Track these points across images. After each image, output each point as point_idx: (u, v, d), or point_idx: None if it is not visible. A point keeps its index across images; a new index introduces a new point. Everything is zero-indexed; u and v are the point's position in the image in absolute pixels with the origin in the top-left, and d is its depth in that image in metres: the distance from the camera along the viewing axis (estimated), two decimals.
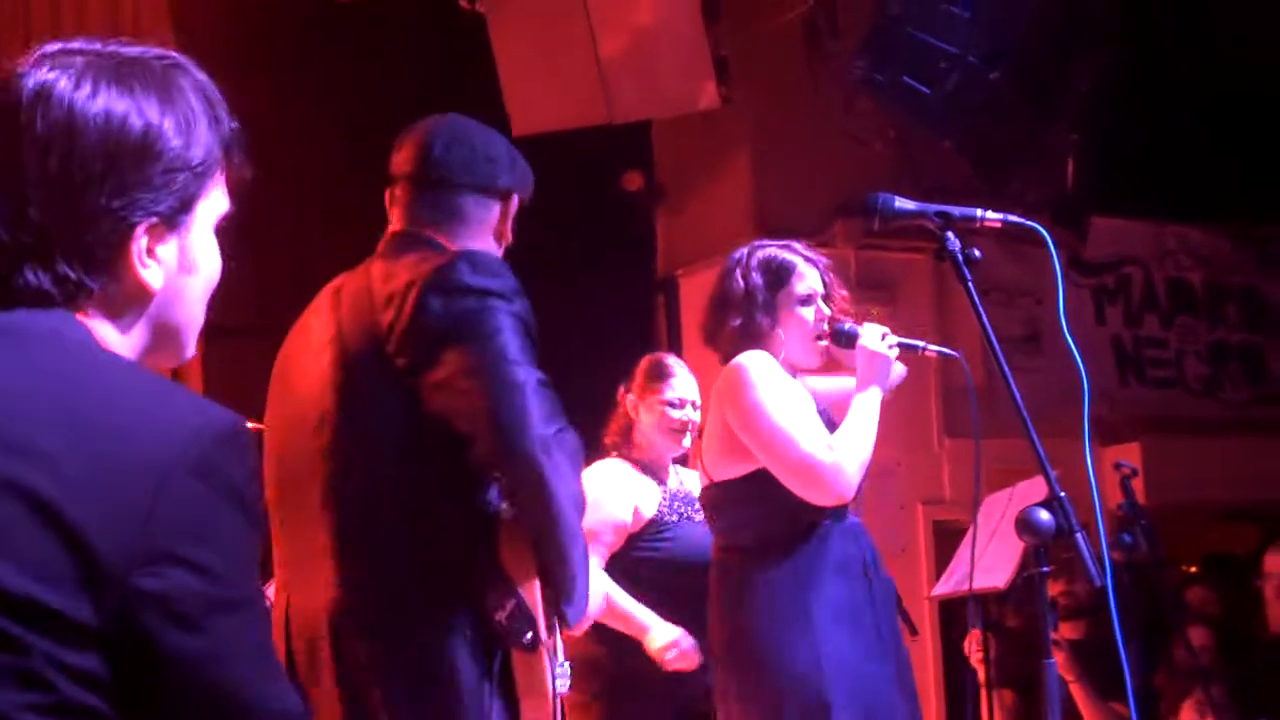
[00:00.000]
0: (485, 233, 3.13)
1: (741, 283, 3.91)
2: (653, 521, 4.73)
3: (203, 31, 7.20)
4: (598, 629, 4.48)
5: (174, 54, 1.56)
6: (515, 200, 3.18)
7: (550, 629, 2.88)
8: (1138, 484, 5.60)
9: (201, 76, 1.57)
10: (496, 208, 3.15)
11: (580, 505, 2.86)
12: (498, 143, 3.20)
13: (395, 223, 3.16)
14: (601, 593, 3.06)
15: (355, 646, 2.83)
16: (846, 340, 3.91)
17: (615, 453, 4.94)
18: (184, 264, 1.57)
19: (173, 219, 1.54)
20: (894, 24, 6.05)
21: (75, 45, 1.54)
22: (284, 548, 3.04)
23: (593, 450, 5.12)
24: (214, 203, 1.60)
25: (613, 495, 4.72)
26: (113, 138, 1.48)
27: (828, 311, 3.95)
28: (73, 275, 1.49)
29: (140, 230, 1.51)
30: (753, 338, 3.89)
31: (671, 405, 4.82)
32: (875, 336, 3.89)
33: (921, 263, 7.49)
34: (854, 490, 3.76)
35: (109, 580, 1.35)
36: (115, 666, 1.37)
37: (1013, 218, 3.26)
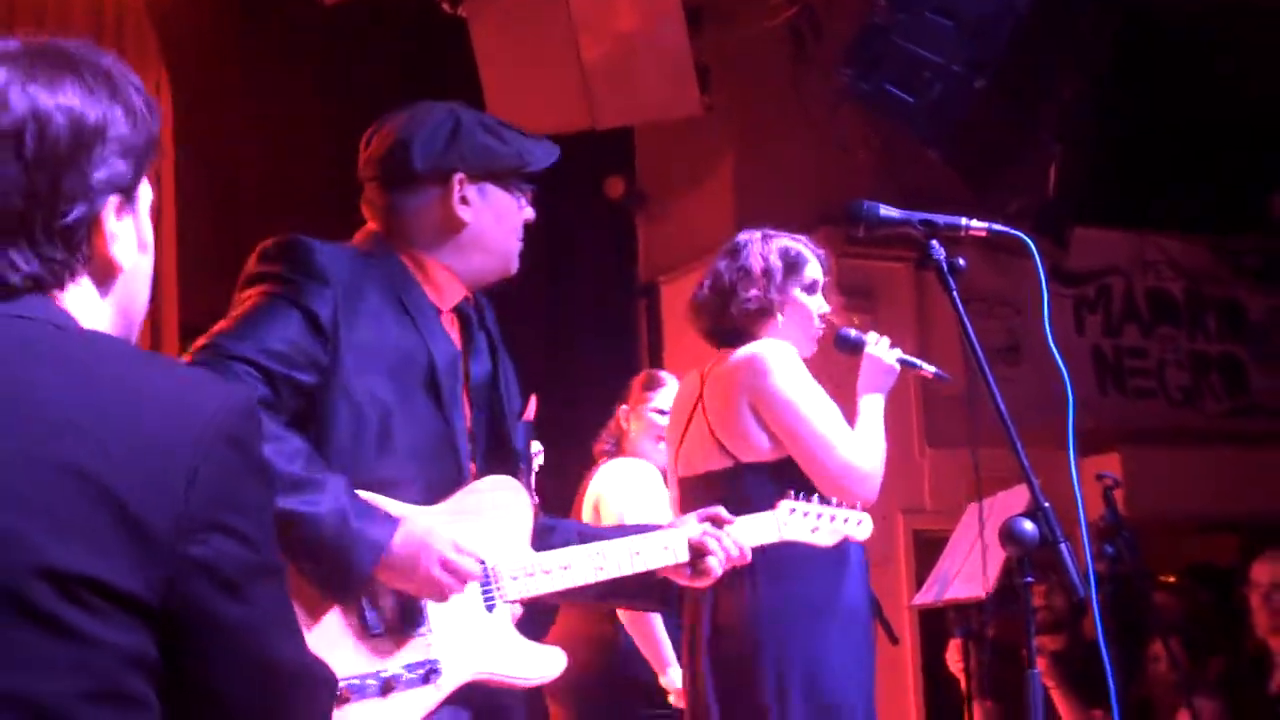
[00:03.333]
0: (430, 224, 2.98)
1: (761, 260, 3.94)
2: None
3: (187, 34, 7.18)
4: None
5: (106, 52, 1.61)
6: (457, 178, 2.96)
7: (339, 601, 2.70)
8: (1117, 495, 5.61)
9: (134, 76, 1.62)
10: (433, 193, 2.97)
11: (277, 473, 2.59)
12: (425, 124, 2.99)
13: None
14: (449, 547, 2.73)
15: None
16: (851, 347, 3.98)
17: (608, 458, 5.11)
18: (140, 241, 1.62)
19: (129, 196, 1.59)
20: (878, 32, 6.05)
21: (14, 44, 1.58)
22: None
23: (576, 456, 5.17)
24: (148, 190, 1.64)
25: (659, 496, 4.80)
26: (74, 122, 1.53)
27: (827, 307, 3.98)
28: (59, 255, 1.53)
29: (108, 207, 1.56)
30: (763, 315, 3.92)
31: (660, 413, 4.93)
32: (883, 347, 3.96)
33: (903, 271, 7.50)
34: (876, 494, 3.79)
35: (159, 551, 1.39)
36: (165, 643, 1.40)
37: (998, 226, 3.26)
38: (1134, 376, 8.66)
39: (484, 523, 2.89)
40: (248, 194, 7.35)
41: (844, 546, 3.74)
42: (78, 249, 1.54)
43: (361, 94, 7.30)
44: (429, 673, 2.74)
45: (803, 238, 4.10)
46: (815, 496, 3.45)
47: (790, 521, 3.38)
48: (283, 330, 2.71)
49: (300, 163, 7.23)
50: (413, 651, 2.74)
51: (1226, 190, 8.42)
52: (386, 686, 2.67)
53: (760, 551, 3.41)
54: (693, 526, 3.15)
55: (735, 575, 3.74)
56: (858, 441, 3.78)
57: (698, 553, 3.11)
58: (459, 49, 6.96)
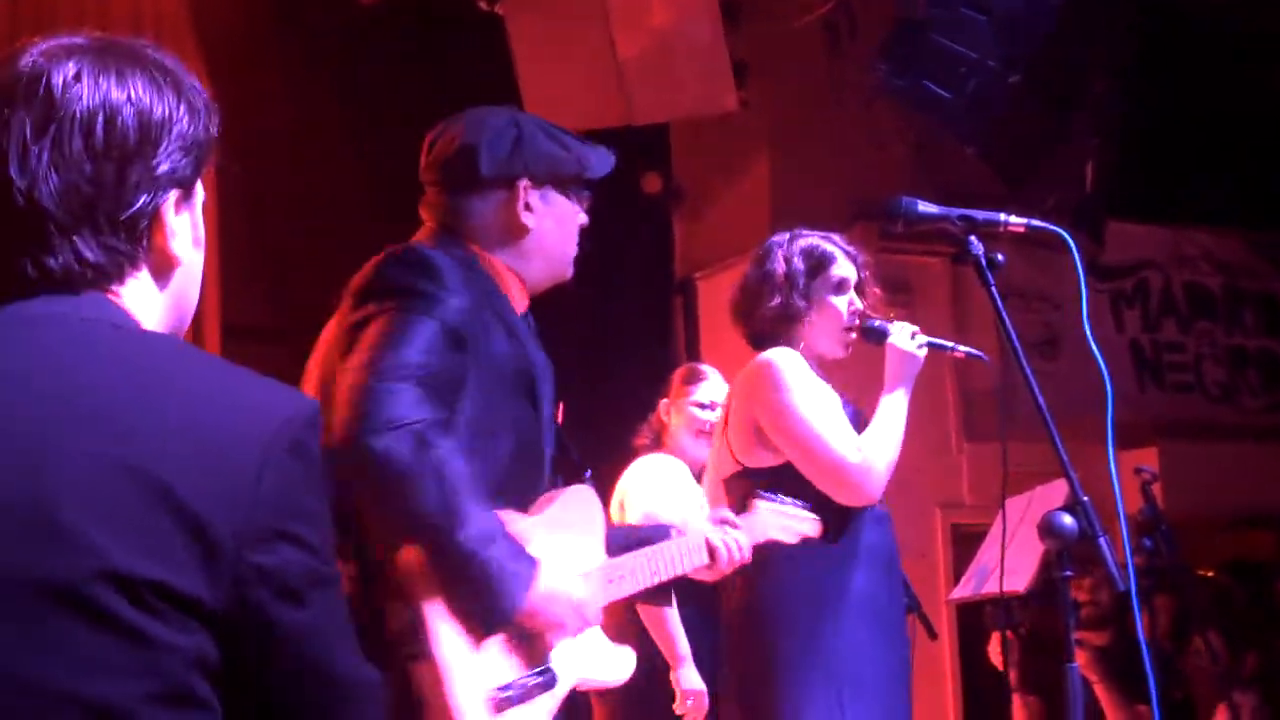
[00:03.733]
0: (497, 228, 3.00)
1: (783, 264, 3.92)
2: None
3: (223, 36, 7.23)
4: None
5: (169, 53, 1.63)
6: (522, 184, 2.98)
7: (477, 640, 2.73)
8: (1155, 489, 5.60)
9: (193, 77, 1.63)
10: (500, 197, 3.00)
11: (455, 507, 2.64)
12: (489, 129, 3.02)
13: (425, 222, 3.12)
14: (582, 594, 2.84)
15: None
16: (876, 337, 3.92)
17: (645, 452, 5.09)
18: (196, 237, 1.63)
19: (188, 191, 1.60)
20: (914, 28, 6.06)
21: (83, 39, 1.61)
22: None
23: (615, 455, 5.17)
24: (202, 188, 1.65)
25: (689, 492, 4.79)
26: (143, 115, 1.54)
27: (859, 305, 3.95)
28: (122, 246, 1.54)
29: (169, 201, 1.57)
30: (788, 320, 3.90)
31: (700, 406, 4.95)
32: (905, 335, 3.89)
33: (939, 265, 7.50)
34: (881, 491, 3.77)
35: (224, 557, 1.39)
36: (225, 647, 1.41)
37: (1036, 222, 3.26)
38: (1172, 371, 8.63)
39: (575, 534, 2.99)
40: (284, 197, 7.40)
41: (850, 539, 3.77)
42: (139, 241, 1.55)
43: (397, 94, 7.35)
44: (549, 680, 2.85)
45: (834, 236, 4.06)
46: (779, 495, 3.53)
47: (770, 520, 3.47)
48: (436, 350, 2.72)
49: (336, 164, 7.28)
50: (539, 659, 2.85)
51: (1264, 184, 8.39)
52: (526, 694, 2.78)
53: (761, 551, 3.51)
54: (710, 528, 3.27)
55: (740, 573, 3.79)
56: (856, 440, 3.76)
57: (713, 554, 3.24)
58: (495, 46, 6.99)
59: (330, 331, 2.92)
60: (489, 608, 2.68)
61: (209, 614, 1.39)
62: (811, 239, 4.01)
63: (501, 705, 2.72)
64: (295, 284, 7.05)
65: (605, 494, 5.12)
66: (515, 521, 2.82)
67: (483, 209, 2.99)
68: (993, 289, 3.13)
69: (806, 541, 3.54)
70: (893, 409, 3.83)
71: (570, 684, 2.91)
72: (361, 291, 2.83)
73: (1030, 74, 6.10)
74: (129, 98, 1.54)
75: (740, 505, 3.84)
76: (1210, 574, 8.49)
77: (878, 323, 3.92)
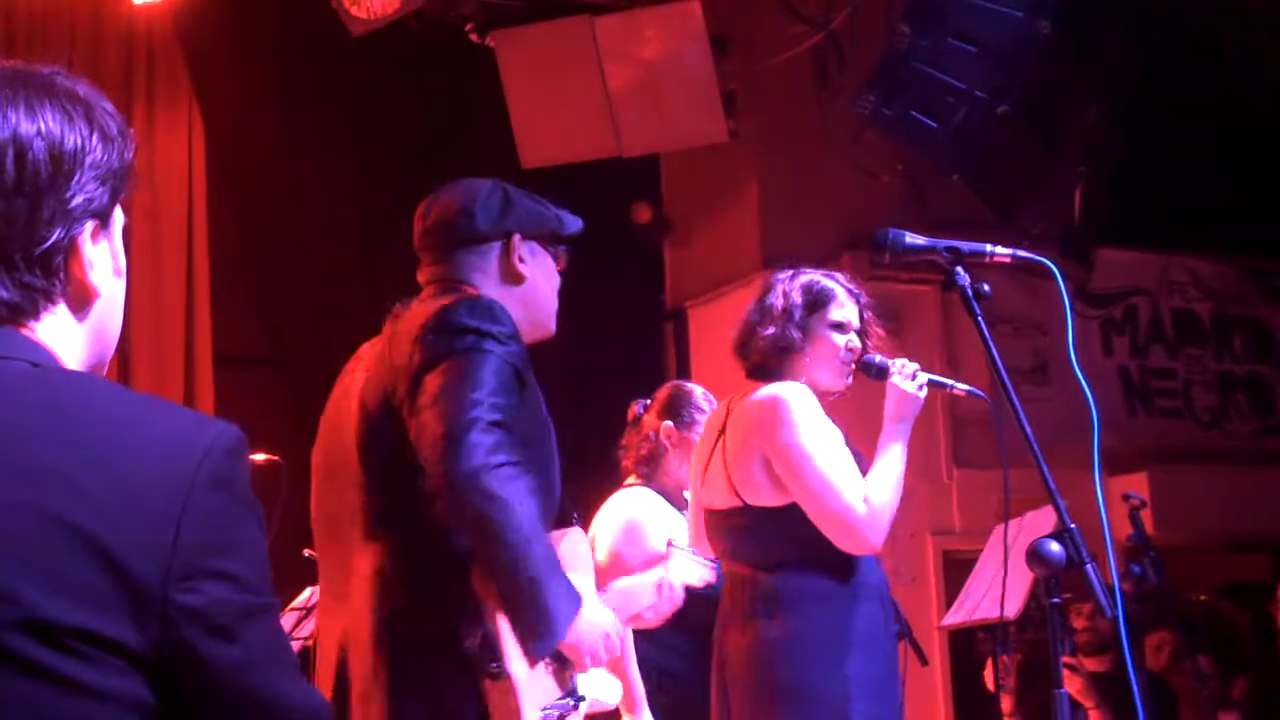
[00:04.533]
0: (494, 280, 3.26)
1: (781, 300, 3.95)
2: None
3: (219, 70, 7.26)
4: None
5: (80, 79, 1.60)
6: (515, 238, 3.28)
7: (533, 660, 2.95)
8: (1145, 515, 5.61)
9: (108, 102, 1.61)
10: (495, 249, 3.28)
11: (535, 541, 2.90)
12: (482, 193, 3.32)
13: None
14: (599, 625, 3.07)
15: (359, 660, 2.99)
16: (876, 373, 3.92)
17: (642, 481, 4.87)
18: (116, 267, 1.61)
19: (105, 221, 1.58)
20: (902, 59, 6.09)
21: None
22: (326, 586, 3.25)
23: (607, 477, 5.10)
24: (121, 215, 1.63)
25: (652, 526, 4.67)
26: (54, 147, 1.52)
27: (858, 345, 3.96)
28: (37, 283, 1.51)
29: (85, 233, 1.54)
30: (783, 351, 3.92)
31: None
32: (906, 374, 3.90)
33: (929, 294, 7.52)
34: (883, 539, 3.78)
35: (150, 600, 1.37)
36: (160, 689, 1.39)
37: (1022, 253, 3.28)
38: (1161, 397, 8.65)
39: (578, 573, 3.14)
40: (278, 227, 7.42)
41: (856, 576, 3.79)
42: (55, 275, 1.52)
43: (392, 125, 7.38)
44: (577, 701, 3.11)
45: (837, 274, 4.09)
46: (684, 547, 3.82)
47: (678, 564, 3.75)
48: (509, 391, 2.98)
49: (330, 197, 7.30)
50: (569, 683, 3.13)
51: (1252, 211, 8.43)
52: (563, 715, 3.06)
53: (771, 587, 3.76)
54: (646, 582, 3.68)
55: (746, 613, 3.82)
56: (862, 487, 3.76)
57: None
58: (487, 78, 7.02)
59: (370, 365, 3.16)
60: (542, 633, 2.90)
61: (139, 658, 1.38)
62: (813, 276, 4.03)
63: None
64: (287, 314, 7.08)
65: (587, 525, 5.07)
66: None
67: (482, 263, 3.28)
68: (979, 319, 3.16)
69: (818, 579, 3.76)
70: (894, 453, 3.84)
71: (588, 706, 3.18)
72: (433, 330, 3.03)
73: (1019, 104, 6.13)
74: (39, 130, 1.52)
75: (742, 538, 3.90)
76: (1203, 598, 8.50)
77: (879, 359, 3.93)
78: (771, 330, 3.92)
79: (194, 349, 6.73)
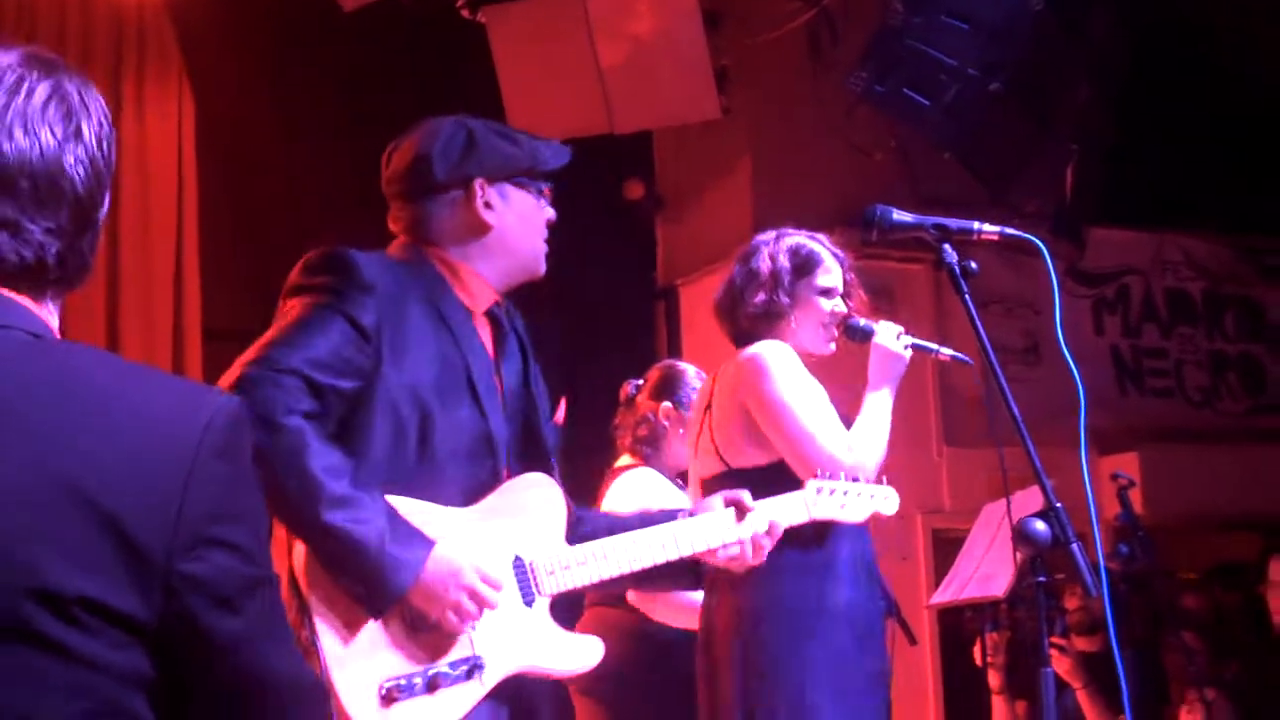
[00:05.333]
0: (459, 229, 3.08)
1: (769, 263, 3.91)
2: None
3: (209, 43, 7.22)
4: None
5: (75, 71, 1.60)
6: (477, 184, 3.07)
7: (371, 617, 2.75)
8: (1136, 494, 5.61)
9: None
10: (457, 197, 3.08)
11: (322, 484, 2.68)
12: (442, 137, 3.10)
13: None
14: (475, 576, 2.83)
15: None
16: (861, 336, 3.90)
17: (642, 461, 4.85)
18: None
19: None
20: (894, 35, 6.07)
21: (45, 52, 1.57)
22: None
23: (599, 456, 5.07)
24: None
25: (666, 500, 4.59)
26: (110, 151, 1.56)
27: (844, 310, 3.94)
28: (83, 259, 1.54)
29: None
30: (772, 317, 3.89)
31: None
32: (890, 335, 3.88)
33: (921, 272, 7.51)
34: None
35: (154, 569, 1.37)
36: (161, 661, 1.39)
37: (1009, 230, 3.28)
38: (1152, 376, 8.65)
39: (519, 520, 2.98)
40: (269, 201, 7.39)
41: (831, 549, 3.75)
42: (92, 254, 1.56)
43: (382, 101, 7.35)
44: (472, 668, 2.83)
45: (821, 236, 4.05)
46: (842, 474, 3.51)
47: (818, 500, 3.45)
48: (328, 339, 2.78)
49: (321, 169, 7.28)
50: (456, 649, 2.83)
51: (1245, 189, 8.41)
52: (432, 684, 2.77)
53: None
54: (719, 513, 3.21)
55: (721, 581, 3.78)
56: (847, 438, 3.74)
57: (726, 540, 3.20)
58: (478, 54, 6.99)
59: None
60: (371, 590, 2.70)
61: (142, 628, 1.37)
62: (798, 238, 4.00)
63: (394, 696, 2.72)
64: (278, 287, 7.05)
65: (587, 498, 5.05)
66: (429, 509, 2.85)
67: (442, 213, 3.08)
68: (966, 296, 3.15)
69: (785, 552, 3.47)
70: (878, 408, 3.81)
71: (505, 672, 2.89)
72: (283, 291, 2.92)
73: (1012, 82, 6.11)
74: (106, 113, 1.55)
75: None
76: (1193, 578, 8.50)
77: (863, 322, 3.91)
78: (761, 297, 3.89)
79: (183, 322, 6.71)
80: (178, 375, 1.56)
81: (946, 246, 3.22)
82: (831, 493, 3.48)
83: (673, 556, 3.13)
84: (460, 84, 7.37)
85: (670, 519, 3.19)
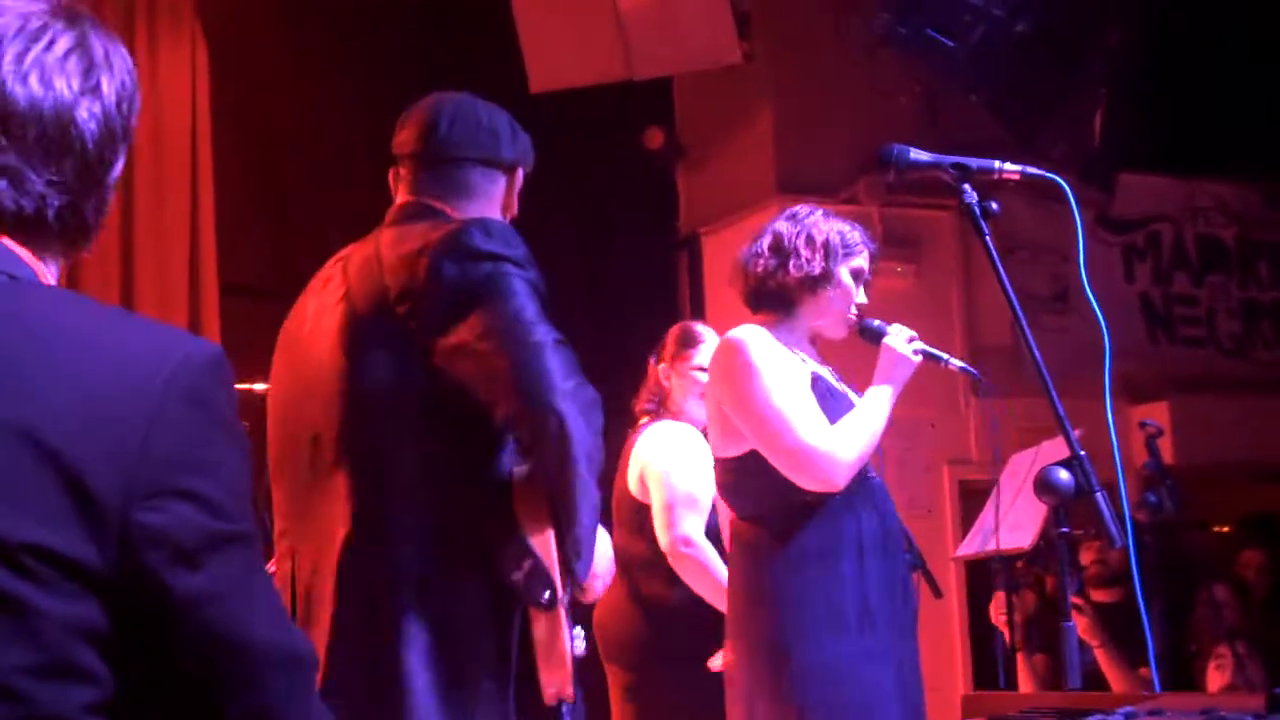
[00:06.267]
0: (492, 205, 3.14)
1: (823, 233, 3.88)
2: None
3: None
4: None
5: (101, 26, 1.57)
6: (520, 173, 3.20)
7: (564, 591, 2.85)
8: (1166, 444, 5.53)
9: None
10: (502, 180, 3.17)
11: (594, 462, 2.83)
12: (500, 117, 3.20)
13: (401, 196, 3.17)
14: (608, 556, 3.01)
15: (363, 585, 2.84)
16: (872, 336, 3.92)
17: (654, 419, 4.96)
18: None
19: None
20: None
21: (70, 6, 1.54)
22: (288, 511, 3.02)
23: (620, 415, 5.09)
24: None
25: (704, 457, 4.61)
26: (130, 112, 1.54)
27: (863, 298, 3.92)
28: (91, 219, 1.52)
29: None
30: (815, 284, 3.85)
31: (702, 370, 4.81)
32: (901, 339, 3.88)
33: (947, 219, 7.41)
34: (845, 481, 3.65)
35: (109, 518, 1.30)
36: (115, 616, 1.32)
37: (1031, 169, 3.20)
38: (1184, 325, 8.55)
39: None
40: (284, 154, 7.33)
41: (854, 526, 3.70)
42: (102, 213, 1.53)
43: (397, 51, 7.27)
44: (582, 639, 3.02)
45: (859, 226, 4.03)
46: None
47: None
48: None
49: (336, 123, 7.20)
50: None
51: (1278, 134, 8.27)
52: (575, 645, 2.93)
53: (748, 538, 3.71)
54: None
55: (740, 560, 3.76)
56: (823, 425, 3.69)
57: None
58: (495, 1, 6.91)
59: (353, 281, 2.97)
60: (588, 554, 2.85)
61: (94, 578, 1.30)
62: (843, 222, 3.98)
63: (576, 653, 2.89)
64: (293, 243, 6.99)
65: (609, 453, 5.03)
66: None
67: (489, 188, 3.14)
68: (987, 237, 3.07)
69: (805, 533, 3.64)
70: (875, 404, 3.78)
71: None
72: (449, 255, 2.88)
73: (1038, 23, 6.01)
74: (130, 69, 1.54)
75: (723, 494, 3.93)
76: (1225, 529, 8.42)
77: (876, 323, 3.91)
78: (818, 259, 3.85)
79: (199, 277, 6.64)
80: (158, 321, 1.48)
81: (966, 186, 3.15)
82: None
83: None
84: (476, 30, 7.28)
85: None
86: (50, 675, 1.29)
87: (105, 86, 1.49)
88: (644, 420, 5.00)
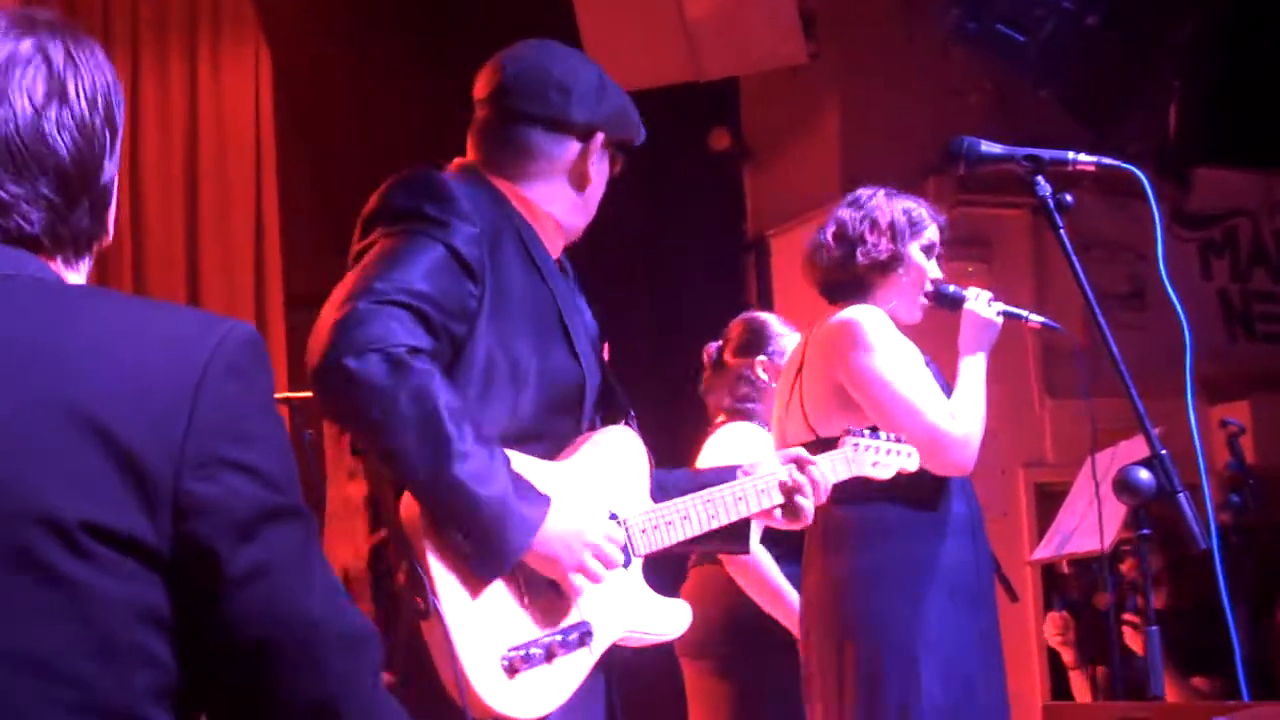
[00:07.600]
0: (557, 173, 2.87)
1: (888, 214, 3.83)
2: None
3: (285, 3, 7.15)
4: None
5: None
6: (599, 139, 2.88)
7: (481, 583, 2.54)
8: (1247, 444, 5.42)
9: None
10: (574, 146, 2.87)
11: (450, 435, 2.46)
12: (584, 71, 2.89)
13: (467, 153, 2.95)
14: (600, 534, 2.67)
15: None
16: (951, 303, 3.86)
17: (742, 418, 4.79)
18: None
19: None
20: None
21: (43, 13, 1.53)
22: None
23: (690, 412, 5.01)
24: None
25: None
26: (109, 109, 1.51)
27: (939, 273, 3.86)
28: (90, 227, 1.51)
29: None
30: (884, 270, 3.82)
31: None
32: (982, 302, 3.82)
33: (1019, 218, 7.32)
34: (974, 460, 3.65)
35: (161, 489, 1.30)
36: (174, 593, 1.31)
37: (1106, 160, 3.14)
38: (1263, 322, 8.39)
39: (610, 477, 2.84)
40: (348, 164, 7.33)
41: (935, 509, 3.66)
42: (106, 215, 1.53)
43: (460, 55, 7.24)
44: (583, 636, 2.67)
45: (923, 201, 3.97)
46: (868, 430, 3.39)
47: (855, 456, 3.32)
48: (439, 275, 2.57)
49: (400, 131, 7.19)
50: (568, 615, 2.68)
51: None
52: (550, 653, 2.60)
53: (840, 521, 3.53)
54: (780, 469, 3.05)
55: (819, 548, 3.70)
56: (949, 407, 3.65)
57: (789, 494, 3.03)
58: (560, 5, 6.88)
59: None
60: (488, 549, 2.51)
61: (151, 555, 1.29)
62: (907, 199, 3.93)
63: (517, 667, 2.54)
64: None
65: (677, 452, 4.96)
66: (532, 463, 2.67)
67: (552, 150, 2.86)
68: (1061, 231, 3.00)
69: (894, 512, 3.53)
70: (974, 374, 3.75)
71: (612, 638, 2.75)
72: (366, 218, 2.70)
73: (1109, 16, 5.92)
74: (95, 101, 1.50)
75: None
76: None
77: (953, 289, 3.86)
78: (885, 242, 3.80)
79: (265, 288, 6.66)
80: (192, 308, 1.48)
81: (1040, 179, 3.08)
82: (868, 449, 3.34)
83: (742, 514, 2.98)
84: (544, 34, 7.25)
85: (729, 478, 3.02)
86: (111, 658, 1.28)
87: (72, 90, 1.47)
88: (720, 419, 4.87)
